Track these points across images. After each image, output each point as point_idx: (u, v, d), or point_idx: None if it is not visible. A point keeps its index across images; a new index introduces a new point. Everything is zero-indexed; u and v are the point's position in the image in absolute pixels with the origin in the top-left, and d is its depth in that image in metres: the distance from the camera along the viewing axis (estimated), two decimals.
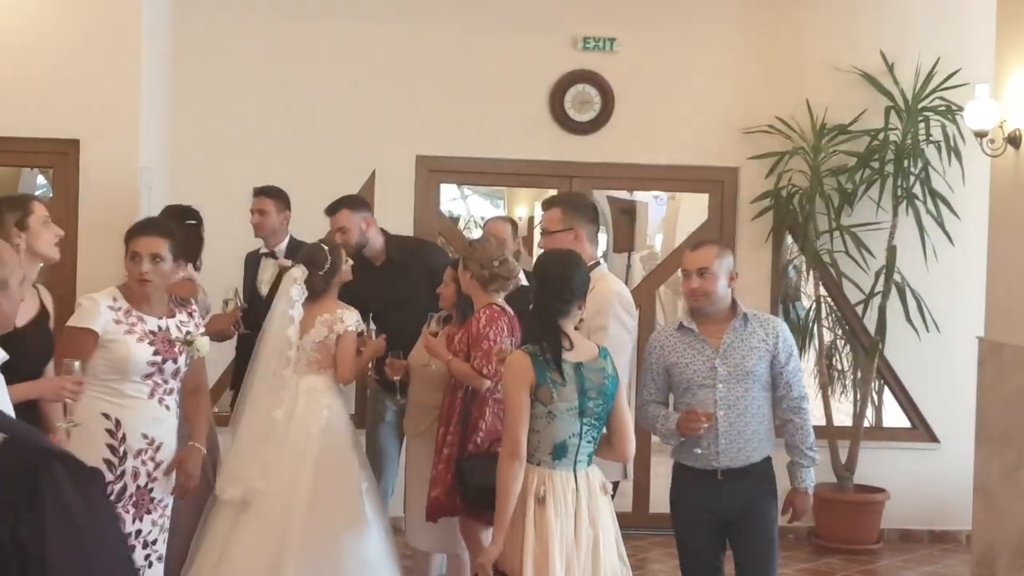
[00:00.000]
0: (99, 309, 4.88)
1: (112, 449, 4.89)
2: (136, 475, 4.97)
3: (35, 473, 1.86)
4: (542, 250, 5.49)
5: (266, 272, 6.96)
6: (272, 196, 7.08)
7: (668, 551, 7.88)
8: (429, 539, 6.15)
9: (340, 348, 5.92)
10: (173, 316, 5.09)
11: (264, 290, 6.81)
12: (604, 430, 4.46)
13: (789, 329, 8.75)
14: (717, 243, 5.63)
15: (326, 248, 6.08)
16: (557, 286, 4.36)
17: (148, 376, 4.96)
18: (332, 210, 6.79)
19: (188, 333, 5.10)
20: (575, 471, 4.32)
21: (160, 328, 5.00)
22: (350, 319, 5.94)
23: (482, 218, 13.26)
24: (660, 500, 8.46)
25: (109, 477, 4.85)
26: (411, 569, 6.41)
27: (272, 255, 7.01)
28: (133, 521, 4.97)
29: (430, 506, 5.74)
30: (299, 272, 6.01)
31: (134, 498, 4.96)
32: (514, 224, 7.38)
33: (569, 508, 4.26)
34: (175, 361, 5.04)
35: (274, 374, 5.93)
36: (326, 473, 5.80)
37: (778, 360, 5.06)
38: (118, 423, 4.90)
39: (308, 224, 7.85)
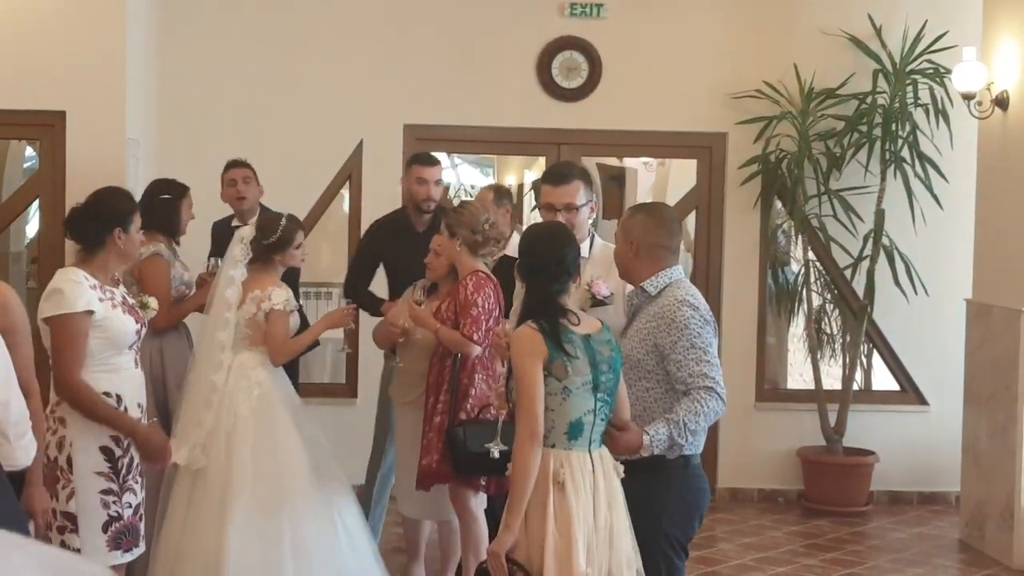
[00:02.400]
0: (86, 288, 4.77)
1: None
2: (135, 445, 4.97)
3: None
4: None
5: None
6: (250, 166, 6.97)
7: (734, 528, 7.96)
8: (419, 507, 6.18)
9: (269, 328, 5.67)
10: (117, 285, 5.02)
11: None
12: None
13: (777, 294, 8.86)
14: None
15: (284, 219, 5.81)
16: (553, 269, 4.10)
17: (132, 346, 4.95)
18: (431, 161, 6.67)
19: (133, 296, 5.10)
20: (591, 452, 4.05)
21: (123, 297, 4.98)
22: (278, 297, 5.66)
23: (472, 186, 13.23)
24: (728, 475, 8.54)
25: (118, 453, 4.83)
26: (402, 537, 6.44)
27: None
28: (140, 491, 5.00)
29: (422, 474, 5.75)
30: (247, 232, 5.82)
31: (140, 467, 4.97)
32: (503, 191, 7.15)
33: (588, 491, 4.00)
34: (144, 326, 5.03)
35: (212, 337, 5.73)
36: (259, 454, 5.55)
37: None
38: (119, 399, 4.86)
39: (297, 193, 7.87)
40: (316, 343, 6.60)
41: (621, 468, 4.14)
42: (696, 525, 4.51)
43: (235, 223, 6.78)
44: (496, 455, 5.00)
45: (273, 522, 5.47)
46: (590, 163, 10.37)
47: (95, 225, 4.86)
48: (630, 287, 4.60)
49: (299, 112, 8.35)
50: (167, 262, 6.13)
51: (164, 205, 6.20)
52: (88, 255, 4.86)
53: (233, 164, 7.00)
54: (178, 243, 6.42)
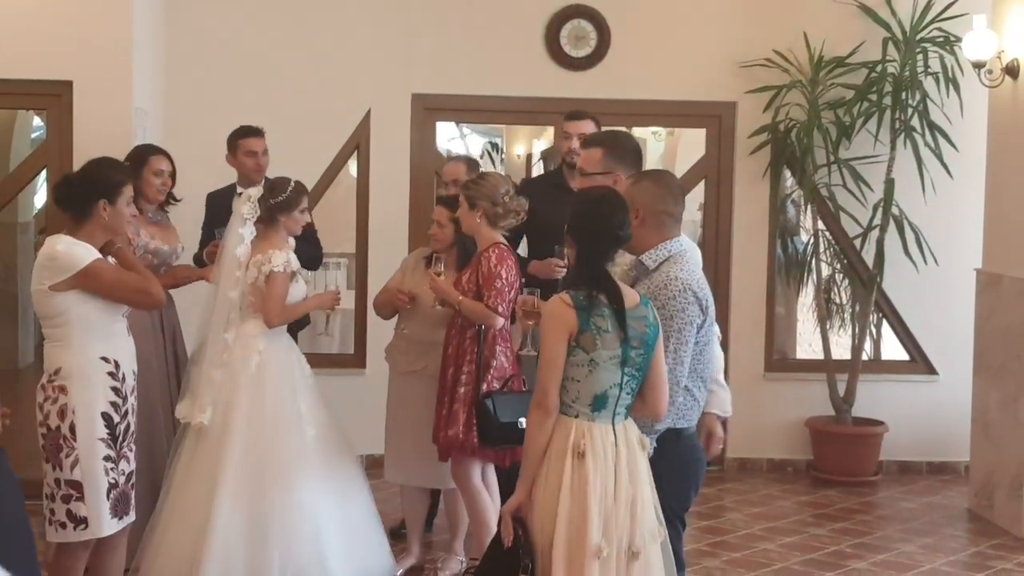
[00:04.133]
0: (82, 247, 4.80)
1: (116, 391, 4.92)
2: (132, 412, 5.02)
3: None
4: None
5: None
6: (263, 135, 6.88)
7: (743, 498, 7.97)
8: (408, 474, 6.19)
9: (267, 289, 5.63)
10: (106, 255, 5.02)
11: None
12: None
13: (786, 264, 8.83)
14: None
15: (292, 183, 5.79)
16: (604, 236, 4.05)
17: (124, 314, 5.02)
18: (578, 116, 6.56)
19: (151, 266, 5.19)
20: (614, 424, 4.04)
21: (112, 262, 4.99)
22: (278, 259, 5.63)
23: (480, 156, 13.21)
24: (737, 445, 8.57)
25: (116, 419, 4.88)
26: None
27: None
28: (133, 459, 5.01)
29: (446, 444, 5.75)
30: (255, 191, 5.81)
31: (134, 435, 5.00)
32: (474, 164, 7.02)
33: (608, 463, 3.98)
34: None
35: (224, 295, 5.71)
36: (254, 423, 5.54)
37: None
38: (117, 364, 4.92)
39: (304, 163, 7.84)
40: (307, 320, 6.60)
41: (648, 441, 4.13)
42: (691, 495, 4.51)
43: (239, 190, 6.69)
44: (524, 426, 5.00)
45: (263, 492, 5.45)
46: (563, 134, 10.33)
47: (80, 195, 4.88)
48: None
49: (307, 81, 8.32)
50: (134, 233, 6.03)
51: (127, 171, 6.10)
52: (75, 225, 4.89)
53: (251, 131, 6.89)
54: (165, 210, 6.41)
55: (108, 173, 4.97)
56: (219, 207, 6.66)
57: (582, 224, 4.12)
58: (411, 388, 6.15)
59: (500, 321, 5.67)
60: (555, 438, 4.01)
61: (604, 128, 6.44)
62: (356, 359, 8.45)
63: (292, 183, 5.79)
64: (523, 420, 5.02)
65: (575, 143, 6.28)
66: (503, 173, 6.76)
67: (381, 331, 6.97)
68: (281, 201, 5.71)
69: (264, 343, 5.66)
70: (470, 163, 7.00)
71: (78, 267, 4.76)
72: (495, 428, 5.48)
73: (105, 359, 4.88)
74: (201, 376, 5.63)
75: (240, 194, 6.20)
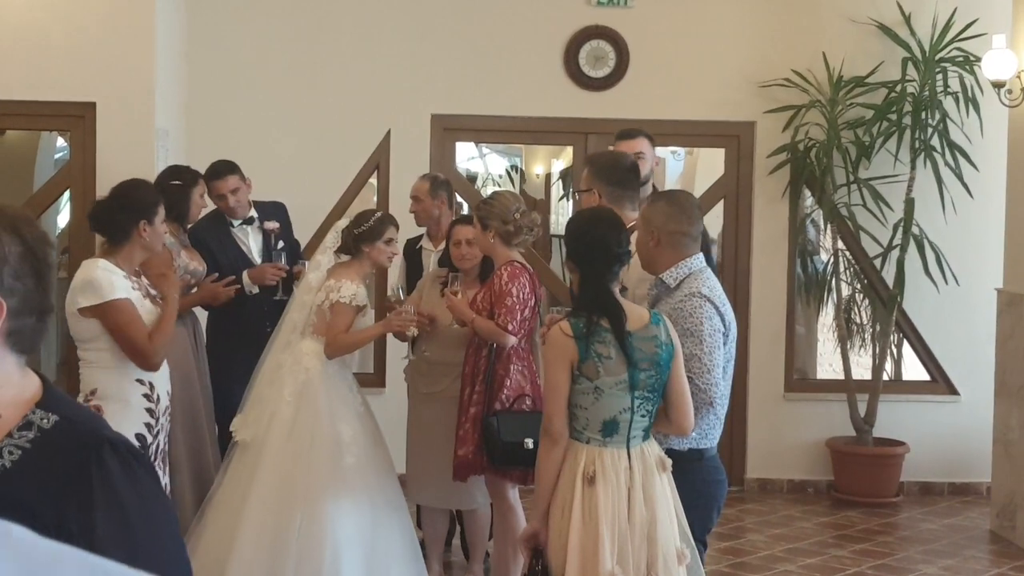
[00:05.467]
0: (119, 276, 4.87)
1: (150, 412, 4.98)
2: (163, 431, 5.09)
3: (86, 461, 1.84)
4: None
5: (252, 241, 6.77)
6: (236, 171, 6.70)
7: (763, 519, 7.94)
8: (436, 495, 6.20)
9: (330, 319, 5.66)
10: (139, 276, 5.11)
11: (258, 260, 6.73)
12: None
13: (806, 283, 8.82)
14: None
15: (378, 214, 5.86)
16: (602, 257, 4.04)
17: None
18: (631, 135, 6.25)
19: (188, 286, 5.26)
20: (628, 448, 3.99)
21: (146, 288, 5.06)
22: (347, 290, 5.63)
23: (500, 176, 13.23)
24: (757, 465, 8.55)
25: (149, 440, 4.93)
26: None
27: (248, 222, 6.76)
28: (164, 475, 5.07)
29: (458, 465, 5.75)
30: (343, 222, 5.89)
31: (164, 455, 5.05)
32: (439, 182, 6.97)
33: (621, 488, 3.94)
34: None
35: (288, 318, 5.81)
36: (293, 439, 5.55)
37: None
38: (152, 386, 4.99)
39: (323, 185, 7.89)
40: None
41: (669, 463, 4.11)
42: (714, 516, 4.51)
43: (236, 221, 6.75)
44: (531, 446, 4.99)
45: (288, 508, 5.47)
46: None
47: (120, 217, 4.94)
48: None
49: (327, 102, 8.36)
50: (169, 251, 6.11)
51: (174, 192, 6.17)
52: (113, 247, 4.96)
53: (213, 174, 6.67)
54: (187, 231, 6.44)
55: (144, 194, 5.08)
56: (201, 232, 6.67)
57: (578, 246, 4.13)
58: (430, 409, 6.14)
59: (511, 339, 5.66)
60: (566, 465, 4.00)
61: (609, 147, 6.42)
62: (376, 378, 8.45)
63: (377, 214, 5.87)
64: (529, 440, 5.02)
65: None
66: (516, 192, 6.76)
67: (401, 350, 6.98)
68: (364, 231, 5.75)
69: (314, 363, 5.67)
70: (434, 181, 6.97)
71: (106, 298, 4.82)
72: (499, 447, 5.46)
73: (140, 381, 4.93)
74: (255, 395, 5.71)
75: (268, 231, 6.53)
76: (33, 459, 1.87)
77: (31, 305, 1.92)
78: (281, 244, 6.79)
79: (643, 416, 4.02)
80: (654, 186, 6.08)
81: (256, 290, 6.52)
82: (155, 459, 4.98)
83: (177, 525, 1.92)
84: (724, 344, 4.30)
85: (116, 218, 4.95)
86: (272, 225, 6.75)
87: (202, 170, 6.56)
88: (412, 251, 6.90)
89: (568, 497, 3.95)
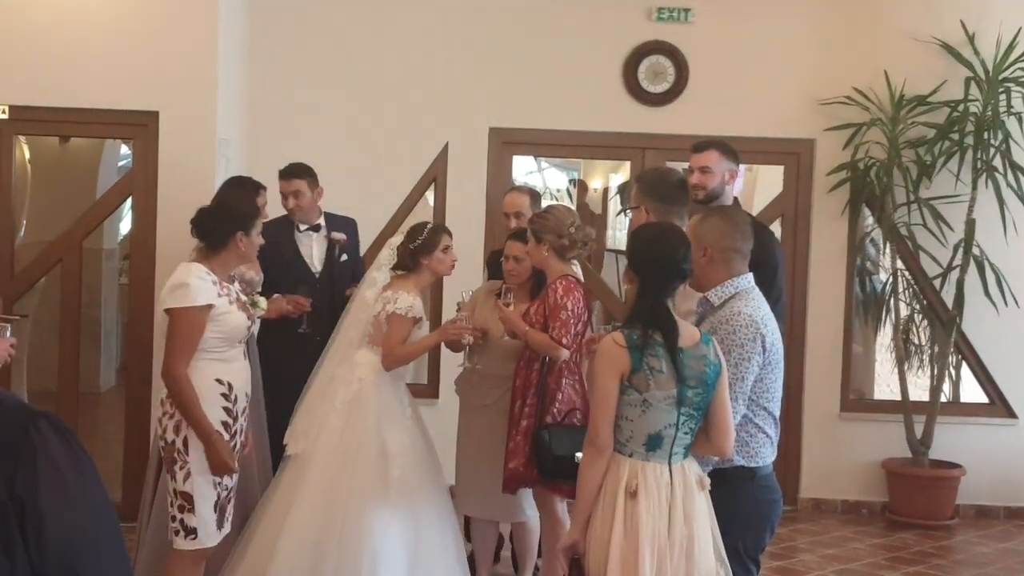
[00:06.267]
0: (208, 284, 5.02)
1: (228, 411, 5.10)
2: (241, 432, 5.22)
3: (24, 430, 1.92)
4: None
5: (313, 248, 6.84)
6: (304, 176, 6.81)
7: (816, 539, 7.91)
8: (477, 506, 6.20)
9: (387, 330, 5.69)
10: (232, 282, 5.29)
11: (317, 267, 6.81)
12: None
13: (864, 303, 8.75)
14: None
15: (429, 226, 5.89)
16: (665, 271, 4.05)
17: (242, 340, 5.24)
18: (700, 148, 5.93)
19: (246, 295, 5.41)
20: (670, 464, 4.00)
21: (237, 294, 5.18)
22: (403, 301, 5.65)
23: (558, 190, 13.23)
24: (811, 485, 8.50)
25: (226, 437, 5.06)
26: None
27: (315, 228, 6.85)
28: (235, 476, 5.19)
29: (508, 477, 5.76)
30: (396, 238, 5.92)
31: (238, 452, 5.18)
32: (534, 195, 6.94)
33: (663, 504, 3.95)
34: (253, 323, 5.35)
35: (345, 334, 5.85)
36: (342, 447, 5.59)
37: None
38: (230, 386, 5.12)
39: (380, 197, 7.94)
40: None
41: (708, 481, 4.10)
42: (767, 536, 4.47)
43: (302, 226, 6.85)
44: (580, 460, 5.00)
45: (330, 518, 5.50)
46: (684, 168, 10.36)
47: (220, 226, 5.12)
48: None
49: (386, 114, 8.42)
50: None
51: None
52: (210, 253, 5.14)
53: (281, 174, 6.85)
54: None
55: (244, 206, 5.30)
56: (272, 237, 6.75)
57: (644, 258, 4.13)
58: (481, 421, 6.16)
59: (564, 353, 5.67)
60: (609, 477, 4.01)
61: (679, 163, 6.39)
62: (430, 389, 8.48)
63: (429, 225, 5.91)
64: (579, 455, 5.03)
65: (695, 177, 5.87)
66: (572, 207, 6.75)
67: (454, 361, 7.01)
68: (420, 245, 5.79)
69: (367, 373, 5.71)
70: (533, 194, 6.94)
71: (186, 303, 4.95)
72: (549, 461, 5.47)
73: (219, 380, 5.07)
74: (303, 405, 5.79)
75: (333, 241, 6.64)
76: None
77: None
78: (345, 257, 6.83)
79: (686, 434, 4.02)
80: (736, 199, 5.96)
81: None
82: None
83: (105, 492, 2.01)
84: (763, 365, 4.27)
85: (216, 226, 5.13)
86: (339, 236, 6.80)
87: (264, 180, 6.61)
88: (497, 262, 6.63)
89: (610, 509, 3.95)
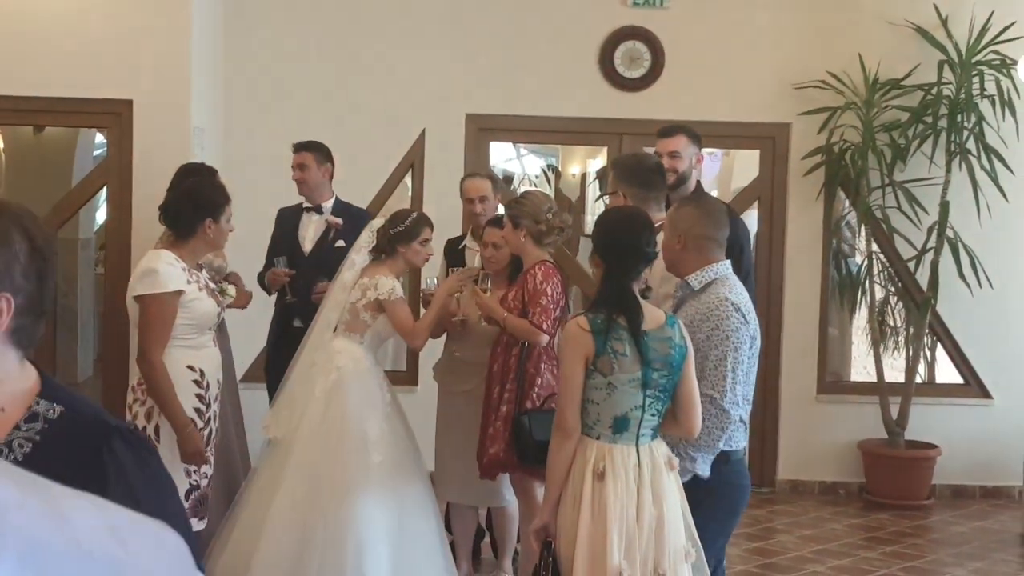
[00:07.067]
0: (178, 270, 5.01)
1: (200, 398, 5.10)
2: (215, 418, 5.20)
3: (97, 452, 1.88)
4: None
5: (309, 228, 6.87)
6: (312, 150, 6.87)
7: (794, 520, 7.95)
8: (457, 492, 6.22)
9: (391, 319, 5.70)
10: (200, 270, 5.29)
11: (308, 247, 6.84)
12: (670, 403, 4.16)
13: (840, 285, 8.80)
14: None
15: (414, 214, 5.90)
16: (629, 255, 4.08)
17: (211, 327, 5.23)
18: (668, 132, 6.01)
19: (213, 282, 5.41)
20: (638, 445, 4.03)
21: (206, 281, 5.20)
22: (383, 286, 5.67)
23: (536, 176, 13.26)
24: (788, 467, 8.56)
25: (199, 425, 5.05)
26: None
27: (317, 210, 6.88)
28: (211, 465, 5.19)
29: (488, 463, 5.78)
30: (378, 221, 5.90)
31: (215, 440, 5.18)
32: (494, 179, 6.98)
33: (631, 485, 3.97)
34: (223, 310, 5.36)
35: (324, 317, 5.85)
36: (322, 436, 5.60)
37: None
38: (202, 373, 5.13)
39: (358, 184, 7.92)
40: None
41: (676, 462, 4.14)
42: (735, 520, 4.53)
43: (305, 204, 6.93)
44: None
45: (315, 504, 5.50)
46: (652, 152, 10.39)
47: (189, 214, 5.12)
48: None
49: (362, 101, 8.42)
50: None
51: None
52: (179, 240, 5.14)
53: (294, 148, 6.95)
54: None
55: (213, 194, 5.25)
56: (284, 222, 6.94)
57: (609, 242, 4.17)
58: (459, 407, 6.17)
59: (545, 338, 5.68)
60: (576, 459, 4.04)
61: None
62: (408, 376, 8.50)
63: (414, 214, 5.90)
64: None
65: (664, 162, 5.85)
66: (550, 193, 6.78)
67: (433, 348, 7.02)
68: (400, 231, 5.77)
69: (345, 361, 5.70)
70: (493, 178, 6.99)
71: (156, 290, 4.95)
72: (531, 446, 5.49)
73: (191, 367, 5.07)
74: (286, 393, 5.78)
75: (330, 224, 6.72)
76: (45, 450, 1.91)
77: (34, 304, 1.95)
78: (341, 243, 6.77)
79: (653, 415, 4.06)
80: (699, 183, 6.04)
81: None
82: (205, 446, 5.09)
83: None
84: (749, 352, 4.32)
85: (185, 214, 5.13)
86: (335, 220, 6.80)
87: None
88: (454, 251, 6.81)
89: (578, 491, 3.99)
